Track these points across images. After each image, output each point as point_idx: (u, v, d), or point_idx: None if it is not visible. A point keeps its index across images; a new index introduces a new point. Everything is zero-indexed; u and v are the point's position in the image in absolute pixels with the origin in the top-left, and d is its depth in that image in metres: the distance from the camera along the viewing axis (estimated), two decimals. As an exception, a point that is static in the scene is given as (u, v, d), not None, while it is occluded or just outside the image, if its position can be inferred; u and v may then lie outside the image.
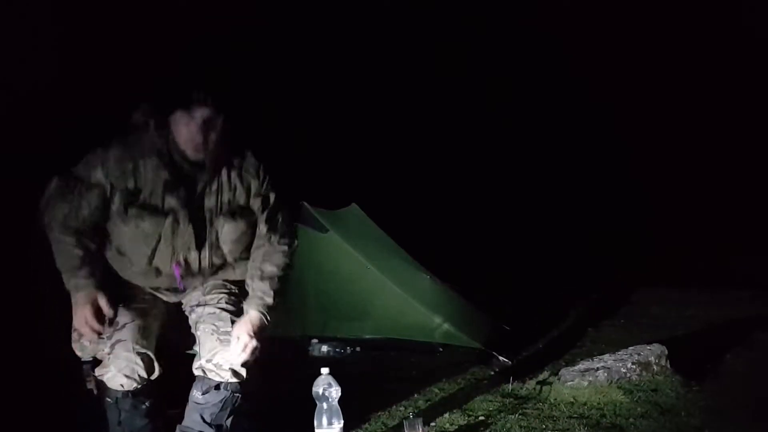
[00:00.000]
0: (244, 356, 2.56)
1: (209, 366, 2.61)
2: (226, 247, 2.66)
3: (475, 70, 9.39)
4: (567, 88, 9.45)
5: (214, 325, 2.63)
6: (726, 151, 8.87)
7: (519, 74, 9.48)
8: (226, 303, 2.69)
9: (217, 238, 2.64)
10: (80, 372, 3.53)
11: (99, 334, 2.49)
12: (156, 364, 2.61)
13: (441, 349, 4.72)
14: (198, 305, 2.70)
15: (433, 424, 3.19)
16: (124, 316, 2.59)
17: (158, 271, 2.64)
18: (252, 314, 2.61)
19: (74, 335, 2.62)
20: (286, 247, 2.73)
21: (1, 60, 4.16)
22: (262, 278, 2.67)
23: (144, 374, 2.57)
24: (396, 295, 4.89)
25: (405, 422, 2.91)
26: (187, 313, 2.75)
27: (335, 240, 5.06)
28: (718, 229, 8.15)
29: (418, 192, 8.46)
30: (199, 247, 2.62)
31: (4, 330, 4.05)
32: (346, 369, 3.99)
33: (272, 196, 2.73)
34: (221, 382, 2.61)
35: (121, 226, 2.56)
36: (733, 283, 6.44)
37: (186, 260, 2.63)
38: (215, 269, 2.72)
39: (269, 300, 2.65)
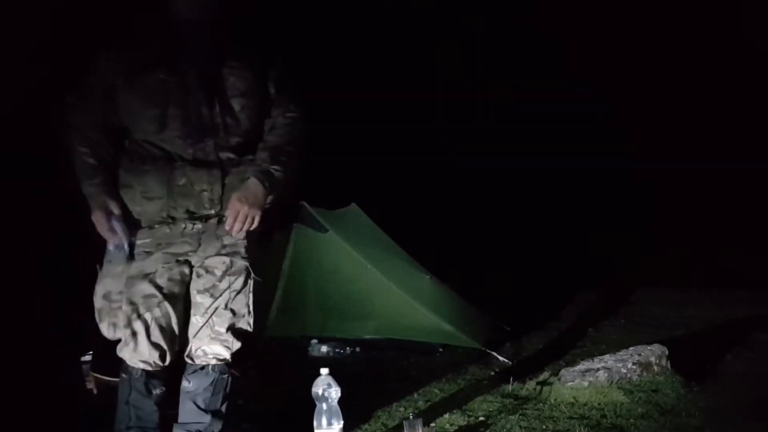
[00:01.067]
0: (238, 226, 2.54)
1: (198, 353, 2.64)
2: (236, 104, 2.59)
3: (475, 69, 9.39)
4: (567, 88, 9.45)
5: (212, 320, 2.62)
6: (726, 152, 8.87)
7: (518, 74, 9.49)
8: (235, 302, 2.64)
9: (226, 94, 2.58)
10: (80, 372, 3.55)
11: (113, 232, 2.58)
12: (169, 353, 2.63)
13: (441, 350, 4.72)
14: (209, 293, 2.62)
15: (433, 424, 3.18)
16: (139, 306, 2.59)
17: (171, 155, 2.58)
18: (249, 181, 2.56)
19: (99, 315, 2.65)
20: (290, 120, 2.68)
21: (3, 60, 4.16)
22: (264, 149, 2.64)
23: (159, 362, 2.61)
24: (396, 295, 4.89)
25: (405, 423, 2.91)
26: (194, 278, 2.67)
27: (335, 240, 5.06)
28: (718, 229, 8.15)
29: (418, 192, 8.46)
30: (209, 101, 2.56)
31: (4, 330, 4.05)
32: (345, 369, 3.99)
33: (279, 62, 2.71)
34: (207, 365, 2.63)
35: (128, 93, 2.57)
36: (733, 283, 6.43)
37: (197, 117, 2.56)
38: (229, 140, 2.62)
39: (266, 166, 2.59)
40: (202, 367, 2.64)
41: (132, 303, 2.59)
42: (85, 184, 2.60)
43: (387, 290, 4.91)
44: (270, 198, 2.58)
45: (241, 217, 2.53)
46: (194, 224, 2.63)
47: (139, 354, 2.59)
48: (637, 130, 9.45)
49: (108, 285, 2.63)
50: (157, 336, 2.58)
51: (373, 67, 8.54)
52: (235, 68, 2.59)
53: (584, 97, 9.36)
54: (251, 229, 2.59)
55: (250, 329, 2.68)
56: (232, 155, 2.62)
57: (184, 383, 2.66)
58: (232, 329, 2.63)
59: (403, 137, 8.79)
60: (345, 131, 7.67)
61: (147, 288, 2.60)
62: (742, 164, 8.67)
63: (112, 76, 2.58)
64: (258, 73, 2.64)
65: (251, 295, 2.67)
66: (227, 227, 2.56)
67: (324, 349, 4.80)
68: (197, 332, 2.64)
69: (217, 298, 2.62)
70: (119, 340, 2.62)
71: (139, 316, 2.58)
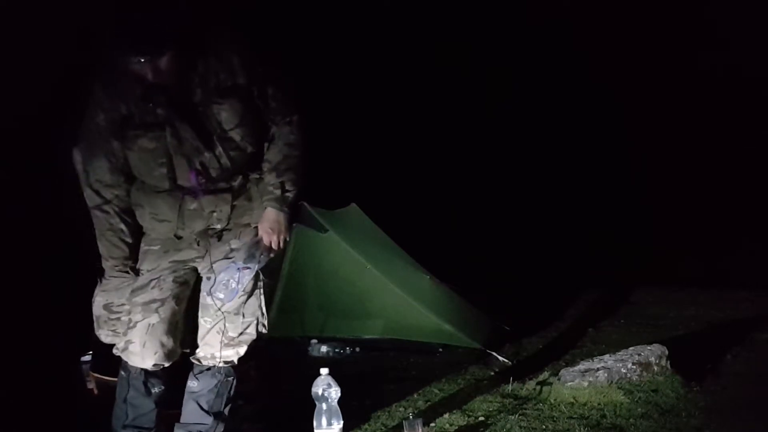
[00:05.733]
0: (272, 253, 2.63)
1: (206, 356, 2.65)
2: (236, 135, 2.60)
3: (475, 69, 9.39)
4: (566, 88, 9.44)
5: (224, 325, 2.62)
6: (726, 152, 8.87)
7: (518, 74, 9.48)
8: (247, 306, 2.65)
9: (223, 129, 2.58)
10: (80, 372, 3.55)
11: None
12: (169, 357, 2.63)
13: (441, 350, 4.72)
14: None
15: (432, 424, 3.18)
16: (136, 314, 2.59)
17: (184, 199, 2.61)
18: (267, 212, 2.63)
19: (97, 323, 2.69)
20: (287, 127, 2.68)
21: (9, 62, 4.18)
22: (270, 169, 2.66)
23: (157, 362, 2.61)
24: (396, 295, 4.89)
25: (405, 423, 2.91)
26: (204, 281, 2.69)
27: (335, 240, 5.06)
28: (718, 229, 8.15)
29: (418, 192, 8.45)
30: (209, 145, 2.57)
31: (5, 330, 4.05)
32: (345, 369, 3.98)
33: (259, 69, 2.66)
34: (213, 366, 2.63)
35: (130, 155, 2.60)
36: (733, 283, 6.44)
37: (203, 165, 2.57)
38: (238, 168, 2.64)
39: (278, 192, 2.64)
40: (209, 368, 2.64)
41: (132, 313, 2.59)
42: (116, 263, 2.69)
43: (387, 290, 4.91)
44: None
45: (275, 245, 2.64)
46: (200, 240, 2.67)
47: (136, 361, 2.59)
48: (637, 129, 9.44)
49: (110, 297, 2.66)
50: (154, 341, 2.58)
51: (374, 67, 8.54)
52: (224, 102, 2.57)
53: (584, 97, 9.36)
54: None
55: (265, 331, 2.69)
56: (241, 179, 2.67)
57: (190, 383, 2.65)
58: (246, 334, 2.63)
59: (403, 137, 8.78)
60: (345, 131, 7.68)
61: (149, 294, 2.61)
62: (742, 164, 8.67)
63: (113, 125, 2.59)
64: (246, 96, 2.61)
65: (263, 297, 2.67)
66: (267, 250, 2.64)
67: (324, 349, 4.80)
68: (206, 335, 2.63)
69: (226, 302, 2.63)
70: (125, 346, 2.64)
71: (137, 324, 2.58)
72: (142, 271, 2.68)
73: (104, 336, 2.67)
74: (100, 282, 2.71)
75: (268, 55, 2.75)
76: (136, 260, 2.71)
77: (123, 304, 2.63)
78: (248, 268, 2.56)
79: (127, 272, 2.69)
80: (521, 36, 9.27)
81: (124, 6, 2.49)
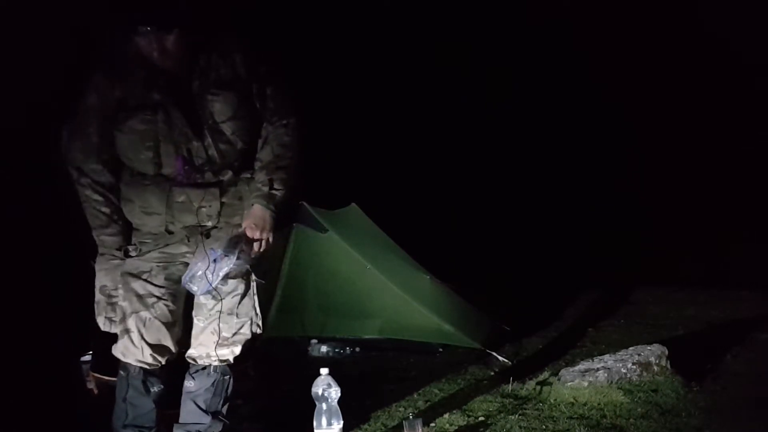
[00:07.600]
0: (255, 250, 2.59)
1: (202, 355, 2.65)
2: (227, 129, 2.59)
3: (475, 69, 9.39)
4: (566, 88, 9.44)
5: (219, 326, 2.62)
6: (725, 152, 8.87)
7: (519, 74, 9.48)
8: (241, 306, 2.66)
9: (215, 121, 2.58)
10: (80, 372, 3.55)
11: None
12: (165, 353, 2.63)
13: (441, 350, 4.72)
14: (211, 294, 2.61)
15: (432, 424, 3.18)
16: (133, 303, 2.60)
17: (172, 190, 2.60)
18: (254, 208, 2.61)
19: (97, 308, 2.68)
20: (282, 128, 2.67)
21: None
22: (260, 167, 2.65)
23: (155, 361, 2.61)
24: (396, 295, 4.89)
25: (405, 423, 2.91)
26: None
27: (335, 240, 5.06)
28: (717, 229, 8.15)
29: (418, 192, 8.45)
30: (199, 134, 2.57)
31: (5, 330, 4.05)
32: (345, 369, 3.99)
33: (261, 68, 2.67)
34: (209, 365, 2.64)
35: (119, 136, 2.59)
36: (733, 283, 6.43)
37: (190, 152, 2.57)
38: (227, 163, 2.64)
39: (265, 189, 2.62)
40: (204, 368, 2.65)
41: (127, 301, 2.60)
42: (98, 232, 2.68)
43: (387, 290, 4.91)
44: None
45: (256, 244, 2.60)
46: (190, 237, 2.66)
47: (133, 353, 2.60)
48: (637, 129, 9.44)
49: (102, 279, 2.66)
50: (151, 335, 2.59)
51: (374, 67, 8.54)
52: (219, 94, 2.58)
53: (584, 97, 9.36)
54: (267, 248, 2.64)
55: (260, 331, 2.70)
56: (231, 175, 2.65)
57: (187, 383, 2.66)
58: (240, 334, 2.64)
59: (403, 137, 8.78)
60: (345, 131, 7.68)
61: (142, 287, 2.62)
62: (742, 164, 8.67)
63: (105, 107, 2.59)
64: (243, 92, 2.63)
65: (256, 297, 2.68)
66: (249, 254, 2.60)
67: (324, 349, 4.80)
68: (200, 334, 2.64)
69: (219, 301, 2.62)
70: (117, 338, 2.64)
71: (134, 314, 2.59)
72: (131, 253, 2.68)
73: (102, 323, 2.68)
74: (94, 264, 2.72)
75: (268, 55, 2.75)
76: (120, 235, 2.70)
77: (117, 289, 2.64)
78: (226, 256, 2.51)
79: (113, 254, 2.68)
80: (521, 36, 9.27)
81: (123, 6, 2.50)
